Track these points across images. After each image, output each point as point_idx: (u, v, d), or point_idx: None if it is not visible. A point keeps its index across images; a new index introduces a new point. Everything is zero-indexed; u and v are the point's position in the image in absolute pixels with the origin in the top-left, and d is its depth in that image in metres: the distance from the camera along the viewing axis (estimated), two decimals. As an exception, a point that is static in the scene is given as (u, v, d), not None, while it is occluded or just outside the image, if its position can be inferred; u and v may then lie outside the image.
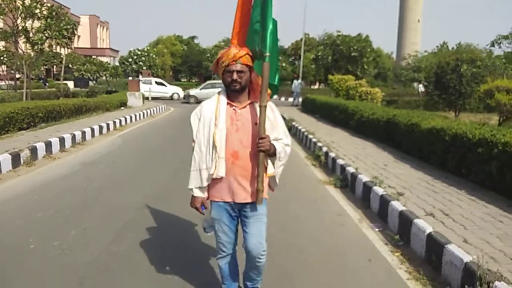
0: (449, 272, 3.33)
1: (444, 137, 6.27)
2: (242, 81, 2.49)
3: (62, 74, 20.04)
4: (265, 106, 2.45)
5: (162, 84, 31.03)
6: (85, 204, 5.40)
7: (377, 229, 4.67)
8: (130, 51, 37.05)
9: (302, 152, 9.79)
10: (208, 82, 31.13)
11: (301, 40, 37.62)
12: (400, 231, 4.36)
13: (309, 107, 18.92)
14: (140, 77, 29.61)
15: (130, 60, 36.51)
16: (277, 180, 2.73)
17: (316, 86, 49.33)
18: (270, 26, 2.53)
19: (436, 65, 18.75)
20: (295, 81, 29.53)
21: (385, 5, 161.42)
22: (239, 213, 2.65)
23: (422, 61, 27.43)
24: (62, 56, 21.04)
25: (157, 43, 49.12)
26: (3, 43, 19.64)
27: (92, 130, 11.16)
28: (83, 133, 10.48)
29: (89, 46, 64.98)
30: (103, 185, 6.40)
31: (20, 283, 3.33)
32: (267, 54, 2.49)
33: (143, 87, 24.93)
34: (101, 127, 11.83)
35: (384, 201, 4.92)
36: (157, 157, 8.89)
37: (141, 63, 36.32)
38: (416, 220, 4.07)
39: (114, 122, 13.14)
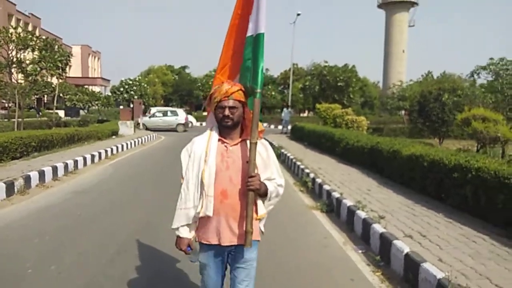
0: (397, 267, 3.58)
1: (423, 163, 6.63)
2: (234, 117, 2.42)
3: (54, 103, 20.26)
4: (255, 143, 2.36)
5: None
6: (79, 230, 5.57)
7: (360, 251, 4.92)
8: (122, 81, 37.58)
9: (291, 179, 10.06)
10: (156, 109, 29.71)
11: (289, 70, 38.64)
12: (381, 252, 4.61)
13: (298, 135, 19.34)
14: (131, 105, 29.92)
15: (122, 89, 36.97)
16: (262, 227, 2.59)
17: (305, 114, 50.22)
18: (262, 64, 2.53)
19: (419, 94, 19.44)
20: (284, 109, 30.20)
21: (372, 36, 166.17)
22: (227, 255, 2.51)
23: (407, 90, 28.38)
24: (54, 86, 21.33)
25: (148, 73, 49.87)
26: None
27: (84, 159, 11.34)
28: (75, 162, 10.65)
29: (80, 75, 65.52)
30: (96, 212, 6.57)
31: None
32: (258, 90, 2.48)
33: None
34: (93, 156, 12.02)
35: (366, 224, 5.19)
36: (148, 184, 9.09)
37: (132, 92, 36.79)
38: (395, 241, 4.34)
39: (106, 151, 13.33)
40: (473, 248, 4.29)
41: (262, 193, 2.42)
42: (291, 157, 12.11)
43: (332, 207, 6.75)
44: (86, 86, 56.22)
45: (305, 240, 5.36)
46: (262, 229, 2.57)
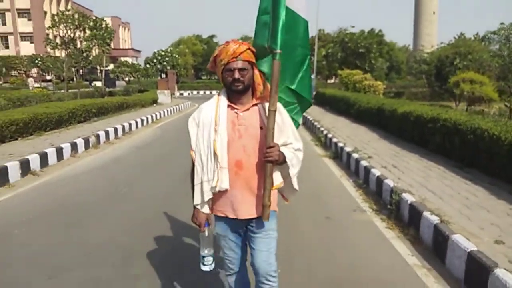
0: (384, 195, 5.41)
1: (410, 118, 8.29)
2: (245, 80, 2.19)
3: (103, 75, 22.65)
4: (275, 110, 2.15)
5: None
6: (145, 171, 7.68)
7: (351, 180, 6.78)
8: (155, 52, 39.57)
9: (309, 136, 11.86)
10: None
11: (315, 36, 39.48)
12: (364, 179, 6.44)
13: (320, 100, 20.91)
14: (163, 76, 32.03)
15: (155, 60, 39.03)
16: (296, 186, 2.38)
17: (332, 80, 51.05)
18: (282, 17, 2.20)
19: (437, 58, 20.43)
20: (309, 76, 31.46)
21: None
22: (245, 228, 2.37)
23: (430, 54, 28.95)
24: (100, 59, 23.57)
25: (179, 44, 51.71)
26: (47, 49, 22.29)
27: (136, 122, 13.55)
28: (130, 124, 12.86)
29: (112, 47, 68.39)
30: (155, 160, 8.68)
31: (119, 218, 5.56)
32: (278, 51, 2.19)
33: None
34: (142, 120, 14.22)
35: (357, 162, 7.00)
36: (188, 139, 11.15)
37: (165, 63, 38.82)
38: (372, 170, 6.16)
39: (152, 116, 15.54)
40: (427, 173, 6.05)
41: (281, 162, 2.22)
42: (311, 119, 13.85)
43: (337, 154, 8.58)
44: (118, 57, 58.93)
45: (315, 175, 7.21)
46: (296, 186, 2.38)
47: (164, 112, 17.83)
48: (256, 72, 2.28)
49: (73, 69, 40.79)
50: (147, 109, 18.29)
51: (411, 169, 6.28)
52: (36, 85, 38.24)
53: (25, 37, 61.75)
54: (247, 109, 2.27)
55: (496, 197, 4.85)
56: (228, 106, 2.27)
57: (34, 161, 7.44)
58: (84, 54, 16.94)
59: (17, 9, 60.73)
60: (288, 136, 2.30)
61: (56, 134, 10.40)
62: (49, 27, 15.98)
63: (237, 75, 2.17)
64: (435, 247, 3.88)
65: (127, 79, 30.60)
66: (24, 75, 52.62)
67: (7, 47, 60.83)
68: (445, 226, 3.83)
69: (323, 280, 3.40)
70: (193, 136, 2.31)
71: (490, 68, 17.29)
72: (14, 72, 52.24)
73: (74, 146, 9.03)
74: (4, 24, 61.71)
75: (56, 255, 3.87)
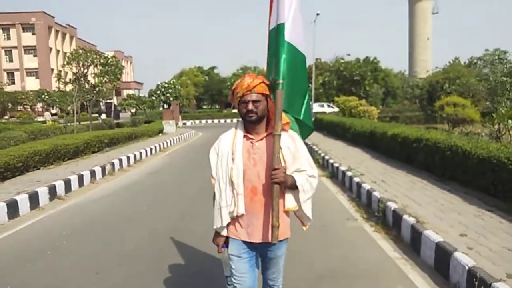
0: (373, 205, 6.20)
1: (398, 139, 9.16)
2: (258, 111, 2.36)
3: (112, 109, 23.80)
4: (279, 135, 2.31)
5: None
6: (159, 195, 8.48)
7: (345, 195, 7.57)
8: (158, 84, 40.95)
9: (308, 159, 12.69)
10: None
11: (313, 64, 41.10)
12: (357, 194, 7.24)
13: (318, 126, 21.80)
14: (166, 106, 33.26)
15: (158, 92, 40.36)
16: (310, 215, 2.54)
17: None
18: (283, 55, 2.48)
19: (428, 83, 21.52)
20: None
21: (396, 26, 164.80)
22: (258, 251, 2.54)
23: (424, 79, 30.23)
24: (106, 94, 24.79)
25: (181, 75, 53.34)
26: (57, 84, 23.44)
27: (146, 151, 14.43)
28: (141, 153, 13.74)
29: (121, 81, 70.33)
30: (167, 185, 9.49)
31: (145, 226, 6.35)
32: (281, 81, 2.42)
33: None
34: (151, 149, 15.11)
35: (351, 179, 7.82)
36: (197, 166, 11.97)
37: (168, 94, 40.13)
38: (363, 185, 6.97)
39: (160, 145, 16.45)
40: (411, 186, 6.86)
41: (290, 186, 2.36)
42: (310, 143, 14.71)
43: (334, 174, 9.39)
44: (121, 89, 60.62)
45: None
46: (309, 215, 2.54)
47: (170, 141, 18.74)
48: (271, 103, 2.44)
49: (78, 102, 42.45)
50: (154, 139, 19.23)
51: (397, 183, 7.10)
52: (42, 118, 39.59)
53: (30, 72, 63.63)
54: (262, 139, 2.42)
55: (468, 203, 5.65)
56: (244, 136, 2.44)
57: (60, 187, 8.26)
58: (97, 89, 18.08)
59: (23, 46, 62.80)
60: (302, 163, 2.42)
61: (74, 163, 11.25)
62: (63, 64, 17.22)
63: (250, 106, 2.34)
64: (412, 243, 4.66)
65: (133, 110, 31.81)
66: (30, 109, 54.13)
67: (13, 83, 62.50)
68: (420, 225, 4.63)
69: (320, 271, 4.15)
70: (213, 165, 2.49)
71: (477, 92, 18.33)
72: (19, 107, 53.59)
73: (93, 173, 9.87)
74: (11, 61, 63.68)
75: (98, 259, 4.66)
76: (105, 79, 17.61)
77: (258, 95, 2.36)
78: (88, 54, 17.30)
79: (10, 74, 64.01)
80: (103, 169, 10.57)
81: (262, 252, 2.52)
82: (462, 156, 6.39)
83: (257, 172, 2.38)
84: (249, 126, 2.44)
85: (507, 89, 17.30)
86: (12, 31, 62.78)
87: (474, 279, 3.31)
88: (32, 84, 61.39)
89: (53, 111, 52.77)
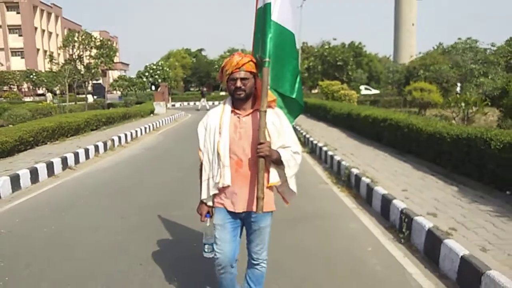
0: (341, 173, 7.47)
1: (369, 119, 10.44)
2: (246, 88, 2.45)
3: (106, 89, 24.56)
4: (265, 111, 2.40)
5: None
6: (155, 165, 9.63)
7: (321, 166, 8.85)
8: (146, 66, 41.48)
9: (291, 138, 13.94)
10: None
11: (300, 48, 42.18)
12: (331, 165, 8.50)
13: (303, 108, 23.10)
14: (154, 88, 34.08)
15: (147, 73, 40.93)
16: (294, 189, 2.65)
17: (316, 91, 53.70)
18: (269, 34, 2.54)
19: (406, 69, 22.84)
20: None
21: (382, 11, 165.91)
22: (242, 222, 2.64)
23: (403, 65, 31.61)
24: (100, 75, 25.45)
25: (168, 57, 53.76)
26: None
27: (141, 130, 15.48)
28: (136, 132, 14.79)
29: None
30: (163, 158, 10.63)
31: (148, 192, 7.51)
32: (267, 59, 2.48)
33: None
34: (145, 128, 16.16)
35: (326, 153, 9.08)
36: (188, 144, 13.09)
37: (156, 76, 40.74)
38: (335, 157, 8.23)
39: (153, 125, 17.50)
40: (374, 158, 8.16)
41: (275, 160, 2.47)
42: (293, 123, 15.93)
43: (313, 150, 10.66)
44: (106, 70, 60.79)
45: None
46: (294, 189, 2.65)
47: (162, 121, 19.77)
48: (258, 81, 2.53)
49: (67, 83, 42.80)
50: (147, 119, 20.23)
51: (364, 156, 8.40)
52: (29, 99, 39.94)
53: (15, 52, 63.00)
54: (248, 114, 2.53)
55: (416, 170, 6.97)
56: (232, 111, 2.55)
57: (70, 158, 9.34)
58: (93, 71, 18.92)
59: (8, 25, 61.92)
60: (287, 139, 2.52)
61: (77, 139, 12.27)
62: (60, 47, 17.99)
63: (239, 84, 2.44)
64: (367, 197, 5.95)
65: (119, 92, 32.49)
66: (16, 89, 53.94)
67: (-2, 63, 61.91)
68: (373, 184, 5.91)
69: (296, 215, 5.34)
70: (201, 138, 2.63)
71: (449, 78, 19.73)
72: (5, 87, 53.30)
73: (96, 148, 10.94)
74: (-5, 40, 62.85)
75: (120, 209, 5.83)
76: (100, 61, 18.46)
77: (247, 73, 2.46)
78: (84, 37, 18.10)
79: (-5, 53, 63.27)
80: (105, 144, 11.63)
81: (246, 223, 2.64)
82: (416, 132, 7.69)
83: (242, 145, 2.49)
84: (237, 103, 2.55)
85: (475, 75, 18.66)
86: (-4, 10, 61.85)
87: (403, 217, 4.59)
88: (18, 64, 60.88)
89: (40, 92, 52.81)
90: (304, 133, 12.80)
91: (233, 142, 2.50)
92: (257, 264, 2.71)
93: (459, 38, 24.36)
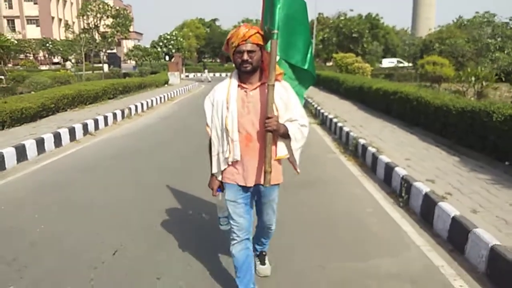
0: (349, 143, 7.76)
1: (380, 92, 10.60)
2: (253, 61, 2.40)
3: (122, 58, 24.82)
4: (273, 85, 2.35)
5: None
6: (170, 133, 10.02)
7: (330, 137, 9.14)
8: (160, 36, 41.44)
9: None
10: None
11: (315, 19, 41.60)
12: (339, 135, 8.79)
13: (316, 80, 23.14)
14: (168, 58, 34.27)
15: (161, 43, 40.95)
16: (297, 161, 2.67)
17: (331, 63, 53.18)
18: (278, 4, 2.45)
19: (422, 42, 22.57)
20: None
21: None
22: (252, 194, 2.65)
23: (420, 38, 31.09)
24: (115, 44, 25.70)
25: (182, 27, 53.47)
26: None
27: (156, 99, 15.85)
28: (152, 101, 15.18)
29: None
30: (177, 127, 11.00)
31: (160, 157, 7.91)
32: (275, 31, 2.39)
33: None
34: (160, 98, 16.53)
35: (335, 124, 9.34)
36: (202, 113, 13.45)
37: (170, 46, 40.75)
38: (344, 128, 8.51)
39: (168, 95, 17.85)
40: (382, 129, 8.41)
41: (282, 134, 2.46)
42: (305, 96, 16.10)
43: (323, 121, 10.92)
44: (120, 39, 60.67)
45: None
46: (297, 160, 2.67)
47: (176, 91, 20.10)
48: (265, 53, 2.47)
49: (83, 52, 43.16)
50: (161, 89, 20.58)
51: (372, 127, 8.64)
52: (46, 67, 40.52)
53: (31, 20, 63.24)
54: (255, 88, 2.48)
55: (422, 141, 7.22)
56: (239, 85, 2.50)
57: (90, 125, 9.78)
58: (109, 40, 19.23)
59: (23, -7, 61.96)
60: (294, 112, 2.51)
61: (95, 107, 12.71)
62: (77, 15, 18.27)
63: (245, 56, 2.37)
64: (372, 166, 6.26)
65: (133, 61, 32.77)
66: (32, 57, 54.54)
67: (13, 30, 62.25)
68: (378, 153, 6.20)
69: (303, 180, 5.61)
70: (209, 114, 2.60)
71: (465, 52, 19.48)
72: (21, 55, 53.90)
73: (114, 115, 11.38)
74: (10, 7, 63.04)
75: (139, 171, 6.25)
76: (117, 30, 18.71)
77: (253, 45, 2.39)
78: (100, 6, 18.29)
79: (11, 21, 63.53)
80: (123, 112, 12.06)
81: (256, 195, 2.68)
82: (424, 105, 7.88)
83: (251, 119, 2.47)
84: (243, 76, 2.50)
85: (491, 50, 18.41)
86: (11, -23, 61.77)
87: (403, 183, 4.90)
88: (33, 32, 61.19)
89: (55, 60, 53.32)
90: (315, 105, 13.02)
91: (241, 117, 2.47)
92: (267, 228, 2.89)
93: (477, 12, 23.88)
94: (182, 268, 3.31)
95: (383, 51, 46.49)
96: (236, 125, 2.46)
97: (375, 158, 6.14)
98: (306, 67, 2.82)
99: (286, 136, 2.49)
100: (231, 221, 2.64)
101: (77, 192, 5.31)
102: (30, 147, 7.27)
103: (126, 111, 12.31)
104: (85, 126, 9.47)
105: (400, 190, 4.90)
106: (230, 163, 2.53)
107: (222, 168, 2.58)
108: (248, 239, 2.66)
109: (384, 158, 5.87)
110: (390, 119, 9.71)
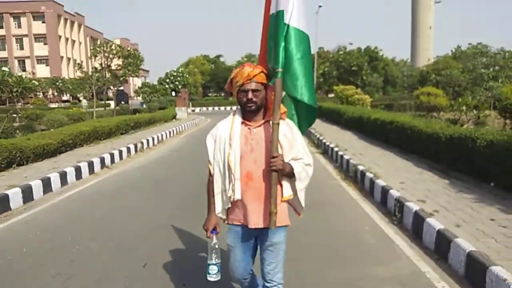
0: (350, 170, 8.34)
1: (377, 122, 11.28)
2: (258, 100, 2.39)
3: (132, 95, 25.90)
4: (278, 124, 2.33)
5: None
6: (183, 165, 10.66)
7: (332, 165, 9.74)
8: (167, 73, 43.05)
9: (306, 140, 14.85)
10: None
11: (316, 53, 43.12)
12: (340, 163, 9.38)
13: (318, 112, 23.95)
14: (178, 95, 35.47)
15: (167, 80, 42.44)
16: (303, 203, 2.58)
17: (332, 95, 54.50)
18: (282, 43, 2.46)
19: (419, 73, 23.50)
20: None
21: (400, 14, 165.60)
22: (255, 237, 2.55)
23: (417, 69, 32.24)
24: (121, 82, 26.93)
25: (188, 64, 55.36)
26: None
27: (166, 133, 16.63)
28: (162, 135, 15.95)
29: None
30: (188, 159, 11.66)
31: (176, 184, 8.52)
32: (280, 70, 2.42)
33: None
34: (170, 132, 17.33)
35: (337, 153, 9.96)
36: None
37: (176, 82, 42.20)
38: (345, 156, 9.11)
39: (176, 129, 18.67)
40: (380, 157, 9.00)
41: (287, 173, 2.40)
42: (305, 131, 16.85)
43: (325, 151, 11.55)
44: (127, 77, 62.92)
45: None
46: (303, 203, 2.58)
47: (184, 125, 20.95)
48: (269, 92, 2.46)
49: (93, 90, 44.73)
50: (170, 124, 21.44)
51: (371, 155, 9.26)
52: (55, 105, 41.93)
53: (41, 60, 65.54)
54: (259, 125, 2.45)
55: (416, 166, 7.81)
56: (242, 122, 2.47)
57: (107, 159, 10.46)
58: (121, 79, 20.35)
59: (34, 34, 64.50)
60: (299, 151, 2.45)
61: (109, 142, 13.45)
62: (90, 56, 19.50)
63: (250, 95, 2.36)
64: (370, 190, 6.82)
65: (140, 97, 33.99)
66: (42, 96, 56.22)
67: (24, 70, 64.38)
68: (375, 178, 6.78)
69: (306, 203, 6.29)
70: (211, 150, 2.55)
71: (460, 82, 20.33)
72: (30, 94, 55.41)
73: (128, 149, 12.08)
74: (22, 48, 65.50)
75: (157, 199, 6.85)
76: (129, 70, 19.84)
77: (258, 84, 2.39)
78: (113, 47, 19.48)
79: (21, 61, 65.83)
80: (136, 146, 12.77)
81: (259, 240, 2.55)
82: (418, 133, 8.52)
83: (254, 158, 2.41)
84: (247, 114, 2.47)
85: (485, 80, 19.21)
86: (23, 20, 64.47)
87: (397, 203, 5.46)
88: (43, 71, 63.26)
89: (64, 98, 54.96)
90: (318, 136, 13.69)
91: (245, 154, 2.43)
92: (271, 284, 2.53)
93: (470, 44, 25.00)
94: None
95: (383, 82, 47.77)
96: (239, 163, 2.42)
97: (372, 182, 6.72)
98: (311, 102, 2.64)
99: (291, 176, 2.43)
100: (231, 264, 2.62)
101: (102, 217, 5.90)
102: (55, 179, 7.91)
103: (139, 145, 13.02)
104: (102, 160, 10.14)
105: (394, 210, 5.45)
106: (231, 202, 2.46)
107: (226, 207, 2.51)
108: (245, 278, 2.66)
109: (380, 182, 6.44)
110: (387, 147, 10.33)
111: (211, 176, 2.57)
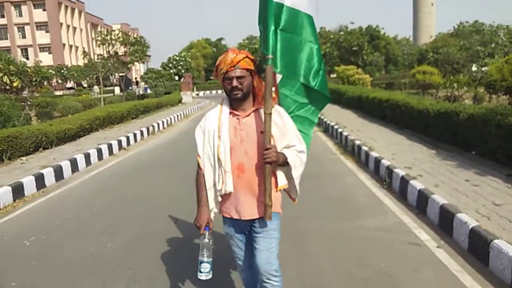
0: (348, 145, 9.11)
1: (375, 100, 11.99)
2: (243, 88, 2.28)
3: (137, 81, 26.68)
4: (270, 114, 2.23)
5: None
6: (189, 145, 11.46)
7: (332, 141, 10.51)
8: (170, 58, 43.53)
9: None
10: None
11: (318, 34, 43.35)
12: (339, 139, 10.16)
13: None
14: (182, 80, 36.07)
15: (170, 65, 42.97)
16: (298, 190, 2.53)
17: (334, 75, 54.87)
18: (272, 27, 2.31)
19: (418, 51, 23.99)
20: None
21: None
22: (249, 228, 2.48)
23: (417, 47, 32.58)
24: (129, 69, 27.64)
25: (190, 48, 55.71)
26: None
27: (174, 117, 17.42)
28: (170, 119, 16.75)
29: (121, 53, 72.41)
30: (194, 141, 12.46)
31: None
32: (270, 56, 2.29)
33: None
34: (177, 116, 18.11)
35: (336, 130, 10.72)
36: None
37: (179, 67, 42.74)
38: (344, 132, 9.88)
39: (183, 113, 19.44)
40: (376, 132, 9.76)
41: (281, 164, 2.33)
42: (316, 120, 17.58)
43: (326, 129, 12.31)
44: (128, 63, 63.47)
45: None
46: (298, 189, 2.53)
47: (190, 109, 21.71)
48: (256, 78, 2.36)
49: (97, 76, 45.35)
50: (176, 108, 22.22)
51: (368, 131, 10.03)
52: (60, 92, 42.68)
53: (43, 48, 65.90)
54: (248, 115, 2.36)
55: (408, 140, 8.58)
56: (230, 113, 2.36)
57: (124, 141, 11.29)
58: (129, 65, 21.07)
59: (35, 23, 64.68)
60: (291, 138, 2.37)
61: (123, 126, 14.26)
62: (98, 45, 20.21)
63: (235, 83, 2.25)
64: (365, 162, 7.61)
65: (142, 83, 34.75)
66: (47, 84, 56.88)
67: (27, 59, 64.87)
68: (369, 150, 7.56)
69: (305, 174, 7.06)
70: (200, 143, 2.45)
71: (456, 60, 20.86)
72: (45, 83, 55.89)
73: (141, 133, 12.90)
74: (24, 37, 65.82)
75: (175, 175, 7.67)
76: (136, 56, 20.52)
77: (243, 70, 2.27)
78: (119, 35, 20.13)
79: (24, 50, 66.20)
80: (148, 129, 13.59)
81: (252, 230, 2.47)
82: (410, 110, 9.25)
83: (244, 149, 2.33)
84: (235, 103, 2.37)
85: (480, 57, 19.69)
86: (24, 8, 64.54)
87: (387, 170, 6.25)
88: (45, 59, 63.69)
89: (69, 85, 55.63)
90: (319, 115, 14.42)
91: (234, 146, 2.34)
92: (266, 282, 2.39)
93: (467, 22, 25.37)
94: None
95: (384, 61, 48.06)
96: (229, 155, 2.33)
97: (367, 154, 7.50)
98: (314, 85, 2.50)
99: (285, 165, 2.36)
100: (233, 253, 2.60)
101: (130, 191, 6.74)
102: (80, 160, 8.75)
103: (151, 129, 13.83)
104: (119, 142, 10.97)
105: (384, 176, 6.25)
106: (222, 195, 2.39)
107: (219, 200, 2.43)
108: (252, 267, 2.57)
109: (374, 154, 7.23)
110: (384, 123, 11.07)
111: (200, 169, 2.47)
